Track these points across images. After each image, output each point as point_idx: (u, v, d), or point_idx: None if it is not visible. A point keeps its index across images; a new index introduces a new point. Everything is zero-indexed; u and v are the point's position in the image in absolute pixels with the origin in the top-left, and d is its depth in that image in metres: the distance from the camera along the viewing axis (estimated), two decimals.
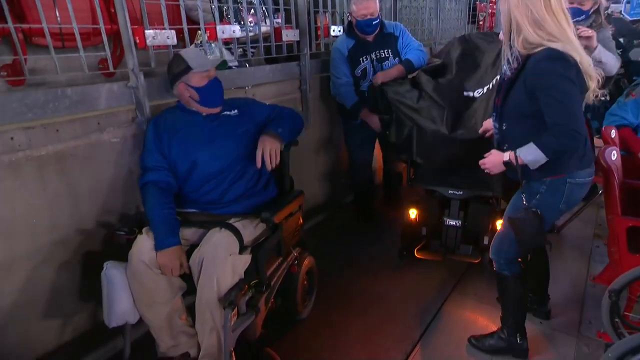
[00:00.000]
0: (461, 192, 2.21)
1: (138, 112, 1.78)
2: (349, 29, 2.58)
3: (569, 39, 1.31)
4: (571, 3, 2.38)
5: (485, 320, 2.00)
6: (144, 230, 1.54)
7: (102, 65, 2.11)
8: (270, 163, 1.66)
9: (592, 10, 2.33)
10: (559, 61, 1.29)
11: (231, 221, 1.61)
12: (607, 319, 1.69)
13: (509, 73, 1.42)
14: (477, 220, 2.23)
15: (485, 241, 2.28)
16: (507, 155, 1.43)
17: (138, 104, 1.77)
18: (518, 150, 1.40)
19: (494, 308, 2.06)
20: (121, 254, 1.59)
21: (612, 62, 2.20)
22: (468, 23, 5.26)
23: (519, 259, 1.72)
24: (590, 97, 1.38)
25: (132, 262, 1.46)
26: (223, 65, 1.85)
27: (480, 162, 1.54)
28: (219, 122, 1.73)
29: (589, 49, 2.14)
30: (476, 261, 2.23)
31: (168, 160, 1.68)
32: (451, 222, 2.26)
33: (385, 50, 2.58)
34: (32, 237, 1.57)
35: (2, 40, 1.73)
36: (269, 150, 1.65)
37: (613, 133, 2.38)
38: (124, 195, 1.81)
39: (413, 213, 2.38)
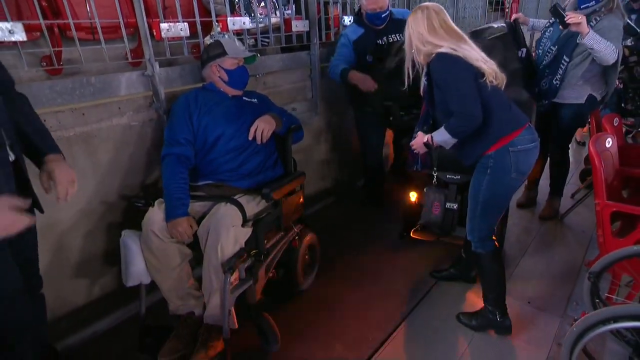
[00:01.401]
0: (458, 177, 2.26)
1: (154, 98, 1.94)
2: (359, 19, 2.62)
3: (455, 43, 1.59)
4: None
5: (474, 298, 2.07)
6: (156, 202, 1.70)
7: (127, 56, 2.28)
8: (261, 139, 1.85)
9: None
10: (445, 60, 1.58)
11: (236, 197, 1.75)
12: (588, 300, 1.73)
13: (425, 82, 1.72)
14: None
15: None
16: (425, 138, 1.73)
17: (154, 91, 1.92)
18: (433, 134, 1.69)
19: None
20: (139, 222, 1.76)
21: (607, 51, 2.15)
22: (492, 11, 5.10)
23: (493, 237, 1.79)
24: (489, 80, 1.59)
25: (144, 231, 1.63)
26: (252, 59, 2.00)
27: (410, 143, 1.85)
28: (242, 103, 1.95)
29: (580, 36, 2.16)
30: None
31: (194, 135, 1.82)
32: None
33: (395, 35, 2.59)
34: (62, 207, 1.76)
35: (41, 34, 1.91)
36: (262, 129, 1.85)
37: (616, 121, 2.36)
38: (142, 173, 1.99)
39: (413, 196, 2.45)
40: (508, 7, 5.56)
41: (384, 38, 2.60)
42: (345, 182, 3.36)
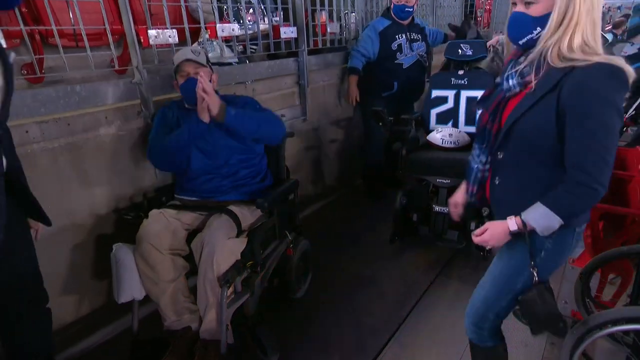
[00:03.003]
0: (448, 181, 2.24)
1: (143, 107, 1.83)
2: (387, 12, 2.88)
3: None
4: None
5: (466, 300, 2.03)
6: (150, 214, 1.60)
7: (113, 63, 2.17)
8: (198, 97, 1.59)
9: None
10: (616, 81, 0.90)
11: (230, 207, 1.66)
12: (579, 299, 1.72)
13: (517, 89, 1.03)
14: (465, 208, 2.25)
15: (473, 226, 2.31)
16: (513, 224, 1.02)
17: (143, 99, 1.81)
18: (524, 215, 1.00)
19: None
20: (129, 236, 1.66)
21: None
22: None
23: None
24: None
25: (140, 243, 1.52)
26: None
27: (477, 239, 1.12)
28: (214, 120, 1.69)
29: None
30: (460, 246, 2.26)
31: None
32: (439, 209, 2.28)
33: (416, 34, 2.90)
34: None
35: (21, 41, 1.77)
36: (204, 99, 1.57)
37: None
38: (131, 183, 1.87)
39: (403, 200, 2.41)
40: (480, 17, 5.65)
41: (407, 33, 2.85)
42: (336, 185, 3.30)
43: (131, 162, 1.85)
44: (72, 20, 1.68)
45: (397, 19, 2.81)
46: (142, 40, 1.83)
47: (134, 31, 1.71)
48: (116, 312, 1.82)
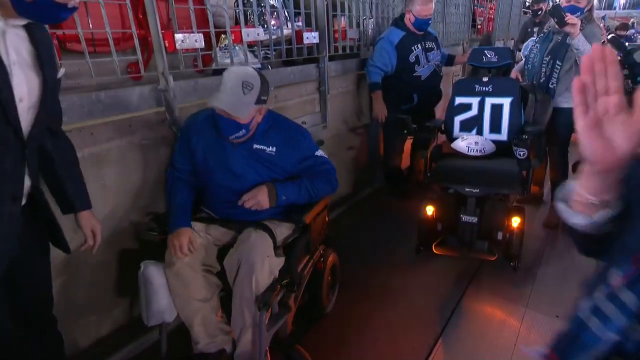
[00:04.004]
0: (477, 190, 2.13)
1: (167, 114, 1.70)
2: (400, 22, 2.76)
3: None
4: (568, 1, 2.33)
5: (502, 314, 1.93)
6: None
7: (130, 70, 2.04)
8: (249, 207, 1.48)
9: (586, 9, 2.34)
10: None
11: (264, 221, 1.53)
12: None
13: None
14: (493, 217, 2.15)
15: (499, 236, 2.21)
16: None
17: (167, 106, 1.68)
18: None
19: (508, 302, 2.01)
20: (154, 251, 1.52)
21: (585, 50, 2.20)
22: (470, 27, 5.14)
23: None
24: None
25: (171, 261, 1.39)
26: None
27: None
28: (248, 153, 1.50)
29: (571, 36, 2.22)
30: (493, 259, 2.14)
31: (194, 164, 1.57)
32: (467, 219, 2.18)
33: (431, 42, 2.84)
34: (68, 236, 1.49)
35: None
36: (252, 203, 1.46)
37: None
38: (155, 195, 1.73)
39: (430, 210, 2.30)
40: (480, 24, 5.60)
41: (422, 43, 2.79)
42: (353, 192, 3.18)
43: (155, 172, 1.72)
44: (91, 25, 1.56)
45: (412, 29, 2.72)
46: (167, 45, 1.70)
47: (161, 35, 1.58)
48: (139, 329, 1.68)
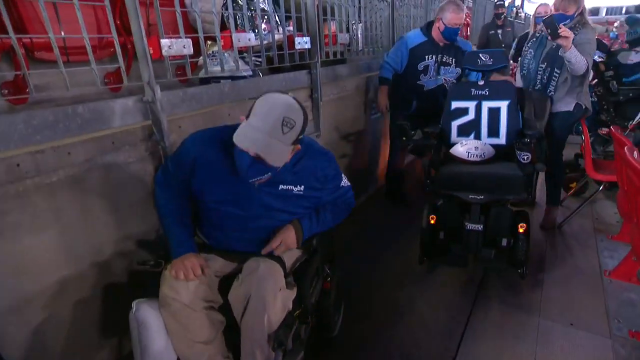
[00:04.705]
0: (482, 197, 2.04)
1: (155, 128, 1.51)
2: (427, 28, 2.69)
3: None
4: (556, 10, 2.30)
5: (516, 326, 1.83)
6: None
7: (108, 80, 1.84)
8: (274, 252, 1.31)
9: (576, 14, 2.30)
10: None
11: None
12: None
13: None
14: (498, 224, 2.07)
15: (504, 243, 2.13)
16: None
17: (155, 120, 1.49)
18: None
19: (520, 312, 1.93)
20: (144, 284, 1.34)
21: (580, 64, 2.21)
22: None
23: None
24: None
25: (167, 301, 1.19)
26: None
27: None
28: (272, 194, 1.31)
29: (563, 49, 2.17)
30: (502, 268, 2.06)
31: (192, 190, 1.34)
32: (473, 227, 2.08)
33: (449, 58, 2.69)
34: (45, 273, 1.28)
35: (1, 56, 1.42)
36: (282, 250, 1.30)
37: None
38: (144, 220, 1.54)
39: (432, 218, 2.19)
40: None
41: (439, 55, 2.67)
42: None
43: (143, 194, 1.52)
44: (62, 32, 1.36)
45: (436, 38, 2.63)
46: (151, 52, 1.52)
47: (145, 41, 1.40)
48: None
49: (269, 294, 1.16)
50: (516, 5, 13.56)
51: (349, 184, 1.52)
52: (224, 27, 1.99)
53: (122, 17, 1.96)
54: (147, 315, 1.20)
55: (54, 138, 1.23)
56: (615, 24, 6.94)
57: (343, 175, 1.50)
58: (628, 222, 2.07)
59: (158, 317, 1.22)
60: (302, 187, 1.31)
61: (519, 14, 13.12)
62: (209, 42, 1.92)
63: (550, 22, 2.17)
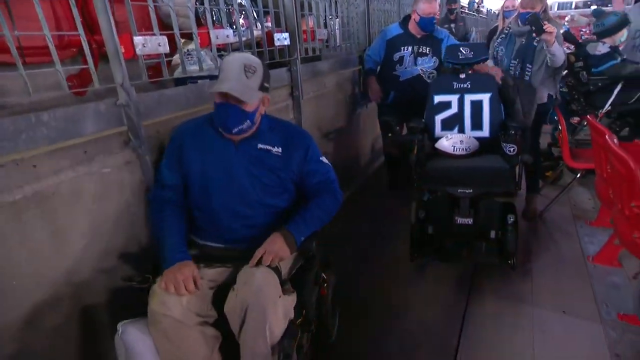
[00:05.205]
0: (470, 191, 2.03)
1: (131, 135, 1.38)
2: (404, 21, 2.77)
3: None
4: (524, 8, 2.36)
5: (512, 318, 1.84)
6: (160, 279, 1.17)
7: (70, 83, 1.69)
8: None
9: (541, 11, 2.37)
10: None
11: None
12: (637, 302, 1.59)
13: None
14: (488, 217, 2.07)
15: (492, 235, 2.14)
16: None
17: (131, 125, 1.36)
18: None
19: (514, 303, 1.95)
20: (130, 304, 1.22)
21: (562, 56, 2.32)
22: None
23: None
24: None
25: (157, 319, 1.09)
26: None
27: None
28: (253, 154, 1.34)
29: (547, 44, 2.22)
30: (496, 261, 2.06)
31: (185, 179, 1.36)
32: (463, 221, 2.07)
33: (426, 48, 2.74)
34: (12, 302, 1.14)
35: None
36: (271, 258, 1.20)
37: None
38: (124, 235, 1.40)
39: (421, 214, 2.17)
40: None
41: (415, 47, 2.73)
42: None
43: (121, 206, 1.39)
44: (16, 30, 1.21)
45: (412, 29, 2.72)
46: (123, 51, 1.38)
47: (117, 39, 1.27)
48: None
49: (269, 302, 1.09)
50: (475, 1, 14.00)
51: (329, 163, 1.49)
52: (198, 23, 1.87)
53: (85, 14, 1.81)
54: (134, 338, 1.10)
55: (16, 150, 1.08)
56: (567, 18, 7.26)
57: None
58: (608, 208, 2.12)
59: (147, 338, 1.12)
60: (280, 149, 1.35)
61: (480, 9, 13.55)
62: (183, 40, 1.79)
63: (535, 21, 2.23)
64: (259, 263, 1.19)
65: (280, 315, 1.12)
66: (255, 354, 1.09)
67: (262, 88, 1.30)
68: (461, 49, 2.35)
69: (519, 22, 2.46)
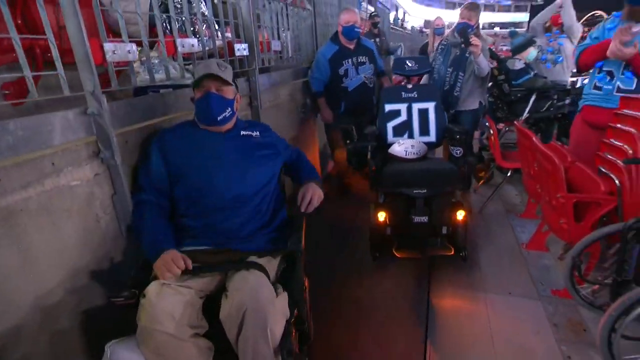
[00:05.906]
0: (425, 191, 2.23)
1: (101, 145, 1.32)
2: (335, 37, 3.00)
3: None
4: (462, 18, 2.71)
5: (469, 305, 2.05)
6: (151, 285, 1.14)
7: (7, 92, 1.57)
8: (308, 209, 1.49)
9: (475, 25, 2.75)
10: None
11: (250, 259, 1.31)
12: (567, 278, 1.86)
13: None
14: (442, 214, 2.28)
15: (444, 231, 2.35)
16: None
17: (101, 135, 1.31)
18: None
19: (469, 291, 2.16)
20: (118, 323, 1.16)
21: (486, 67, 2.72)
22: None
23: None
24: None
25: (148, 335, 1.06)
26: None
27: None
28: (238, 141, 1.47)
29: (474, 55, 2.60)
30: (450, 253, 2.27)
31: (169, 180, 1.39)
32: (419, 219, 2.26)
33: (362, 57, 3.01)
34: None
35: None
36: (316, 197, 1.49)
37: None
38: (95, 250, 1.33)
39: (381, 216, 2.32)
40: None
41: (353, 58, 2.97)
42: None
43: (91, 220, 1.31)
44: None
45: (344, 43, 2.94)
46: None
47: (88, 44, 1.22)
48: None
49: (267, 303, 1.11)
50: (399, 18, 15.14)
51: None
52: (152, 31, 1.83)
53: (25, 15, 1.68)
54: (124, 358, 1.05)
55: None
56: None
57: None
58: (537, 200, 2.46)
59: (138, 358, 1.07)
60: (258, 132, 1.53)
61: (405, 26, 14.62)
62: (139, 48, 1.74)
63: (464, 32, 2.55)
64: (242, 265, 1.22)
65: (279, 317, 1.14)
66: (258, 356, 1.11)
67: (234, 83, 1.48)
68: (407, 62, 2.59)
69: (455, 33, 2.80)
